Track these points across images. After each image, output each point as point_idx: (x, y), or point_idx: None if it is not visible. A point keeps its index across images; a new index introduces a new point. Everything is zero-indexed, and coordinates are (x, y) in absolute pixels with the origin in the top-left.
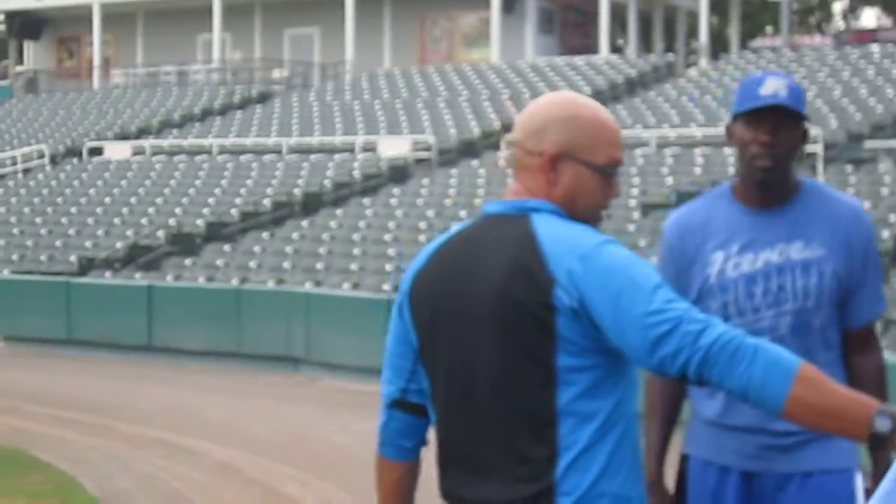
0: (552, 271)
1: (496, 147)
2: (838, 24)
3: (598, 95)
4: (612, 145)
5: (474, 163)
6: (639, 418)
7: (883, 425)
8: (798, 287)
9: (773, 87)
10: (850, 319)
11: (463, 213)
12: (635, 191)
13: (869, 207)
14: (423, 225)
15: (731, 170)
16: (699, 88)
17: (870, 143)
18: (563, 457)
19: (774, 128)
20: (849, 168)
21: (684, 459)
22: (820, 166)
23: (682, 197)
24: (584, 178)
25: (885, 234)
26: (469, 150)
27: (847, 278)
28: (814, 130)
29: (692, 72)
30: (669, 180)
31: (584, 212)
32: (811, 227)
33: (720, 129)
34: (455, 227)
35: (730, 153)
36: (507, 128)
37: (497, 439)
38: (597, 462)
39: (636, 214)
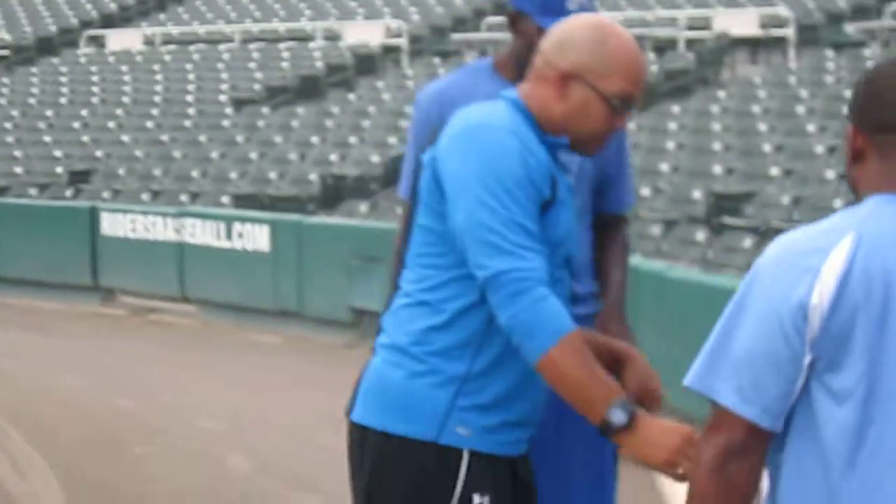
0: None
1: (74, 44)
2: None
3: None
4: (628, 78)
5: (55, 60)
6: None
7: (616, 417)
8: None
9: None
10: (608, 205)
11: (49, 113)
12: (225, 86)
13: None
14: (7, 125)
15: (319, 63)
16: None
17: (456, 36)
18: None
19: None
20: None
21: None
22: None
23: (273, 92)
24: (592, 104)
25: None
26: (46, 47)
27: (602, 161)
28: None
29: None
30: (258, 75)
31: (578, 134)
32: None
33: (303, 24)
34: None
35: (316, 47)
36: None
37: None
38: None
39: (229, 110)
